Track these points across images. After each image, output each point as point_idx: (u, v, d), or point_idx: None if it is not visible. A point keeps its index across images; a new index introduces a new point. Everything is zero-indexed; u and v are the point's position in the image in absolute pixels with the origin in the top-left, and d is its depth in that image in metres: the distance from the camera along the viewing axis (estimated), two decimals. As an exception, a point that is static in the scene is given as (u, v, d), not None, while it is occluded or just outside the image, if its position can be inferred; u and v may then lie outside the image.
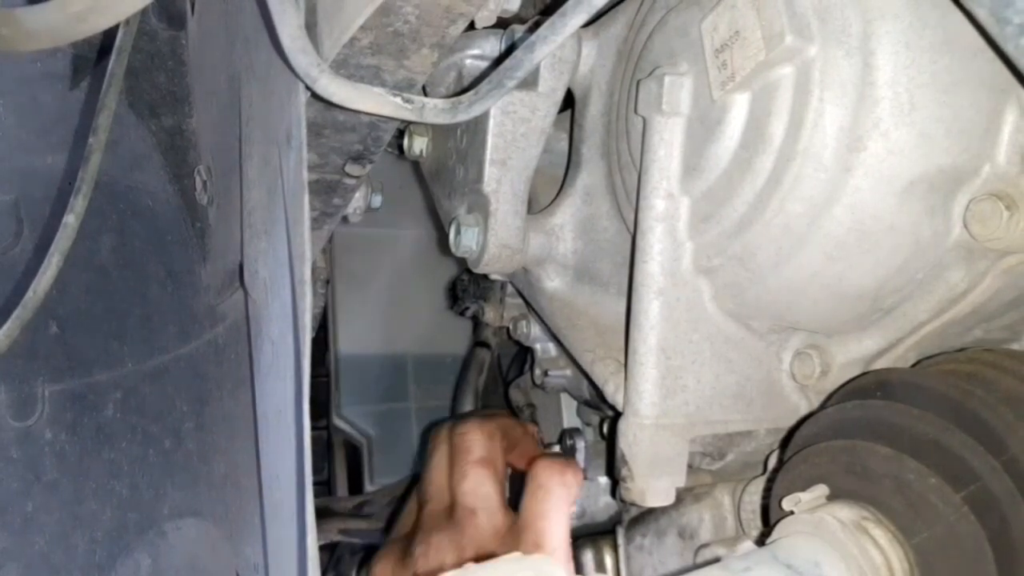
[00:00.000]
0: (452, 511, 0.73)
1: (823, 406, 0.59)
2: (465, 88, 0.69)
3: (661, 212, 0.57)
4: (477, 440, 0.75)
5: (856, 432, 0.49)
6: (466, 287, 0.95)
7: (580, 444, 0.79)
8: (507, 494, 0.75)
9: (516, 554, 0.36)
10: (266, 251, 0.58)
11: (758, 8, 0.50)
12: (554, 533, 0.66)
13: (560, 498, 0.67)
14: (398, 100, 0.51)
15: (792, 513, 0.47)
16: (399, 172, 1.21)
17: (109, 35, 0.70)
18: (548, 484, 0.68)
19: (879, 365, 0.59)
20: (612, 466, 0.59)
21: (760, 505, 0.60)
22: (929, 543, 0.44)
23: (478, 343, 1.21)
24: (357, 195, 0.75)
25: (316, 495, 1.34)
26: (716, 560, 0.52)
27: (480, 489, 0.72)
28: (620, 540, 0.69)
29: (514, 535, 0.67)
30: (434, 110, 0.52)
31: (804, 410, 0.61)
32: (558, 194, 0.72)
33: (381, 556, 0.77)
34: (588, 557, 0.71)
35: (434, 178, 0.79)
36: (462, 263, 0.72)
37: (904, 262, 0.52)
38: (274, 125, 0.55)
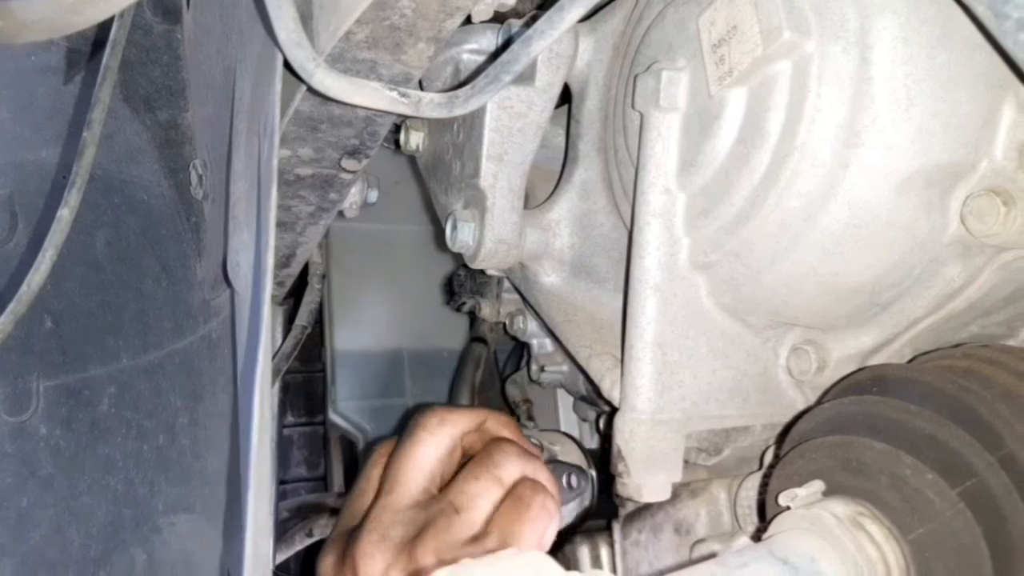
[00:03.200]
0: (429, 505, 0.58)
1: (819, 401, 0.59)
2: (462, 82, 0.68)
3: (658, 208, 0.57)
4: (515, 454, 0.60)
5: (852, 428, 0.49)
6: (463, 282, 0.95)
7: (584, 485, 0.70)
8: None
9: (512, 550, 0.36)
10: (247, 243, 0.57)
11: (756, 3, 0.50)
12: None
13: (540, 521, 0.56)
14: (394, 94, 0.51)
15: (788, 509, 0.47)
16: (395, 167, 1.21)
17: (103, 28, 0.70)
18: (532, 505, 0.56)
19: (875, 361, 0.59)
20: (608, 462, 0.59)
21: (756, 501, 0.60)
22: (925, 539, 0.44)
23: (474, 338, 1.21)
24: (353, 190, 0.75)
25: (312, 491, 1.34)
26: (712, 556, 0.52)
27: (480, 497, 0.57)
28: (616, 536, 0.69)
29: (481, 544, 0.55)
30: (430, 104, 0.52)
31: (800, 405, 0.61)
32: (555, 189, 0.72)
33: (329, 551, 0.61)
34: (584, 552, 0.71)
35: (430, 173, 0.79)
36: (459, 258, 0.72)
37: (901, 258, 0.52)
38: (258, 115, 0.55)
